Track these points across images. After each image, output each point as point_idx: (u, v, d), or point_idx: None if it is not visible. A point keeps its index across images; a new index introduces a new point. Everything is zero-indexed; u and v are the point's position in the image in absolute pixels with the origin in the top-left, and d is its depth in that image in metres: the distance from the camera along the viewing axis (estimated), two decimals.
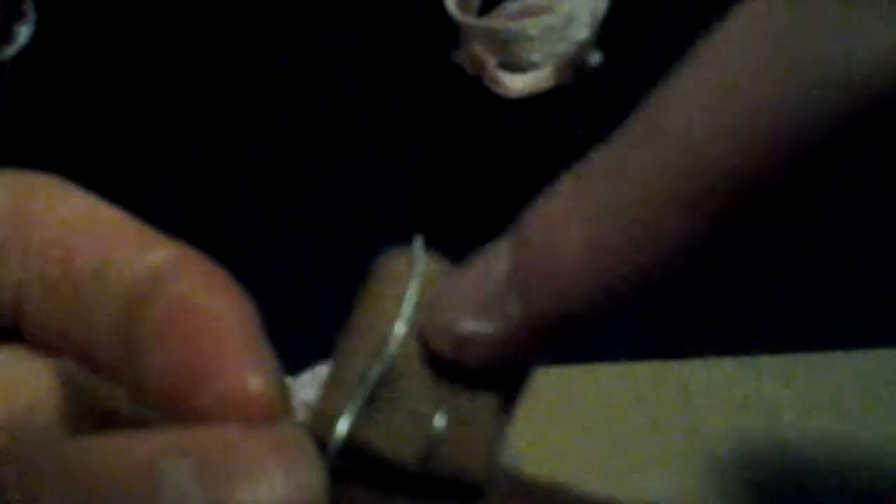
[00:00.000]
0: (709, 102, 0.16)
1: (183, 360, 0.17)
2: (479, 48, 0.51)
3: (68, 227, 0.19)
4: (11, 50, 0.55)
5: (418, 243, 0.19)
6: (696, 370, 0.43)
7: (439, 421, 0.18)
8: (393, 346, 0.18)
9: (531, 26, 0.49)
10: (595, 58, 0.51)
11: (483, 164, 0.51)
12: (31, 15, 0.56)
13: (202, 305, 0.18)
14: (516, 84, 0.51)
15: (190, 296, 0.18)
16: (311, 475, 0.16)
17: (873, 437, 0.40)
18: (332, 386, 0.18)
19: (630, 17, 0.52)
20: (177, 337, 0.17)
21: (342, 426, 0.17)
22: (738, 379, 0.42)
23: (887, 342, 0.43)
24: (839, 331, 0.43)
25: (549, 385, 0.42)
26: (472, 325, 0.18)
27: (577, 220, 0.17)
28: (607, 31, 0.51)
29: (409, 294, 0.18)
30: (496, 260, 0.18)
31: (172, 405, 0.17)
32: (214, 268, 0.19)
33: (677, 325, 0.44)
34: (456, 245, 0.20)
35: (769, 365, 0.43)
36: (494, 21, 0.52)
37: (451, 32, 0.52)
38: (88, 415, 0.18)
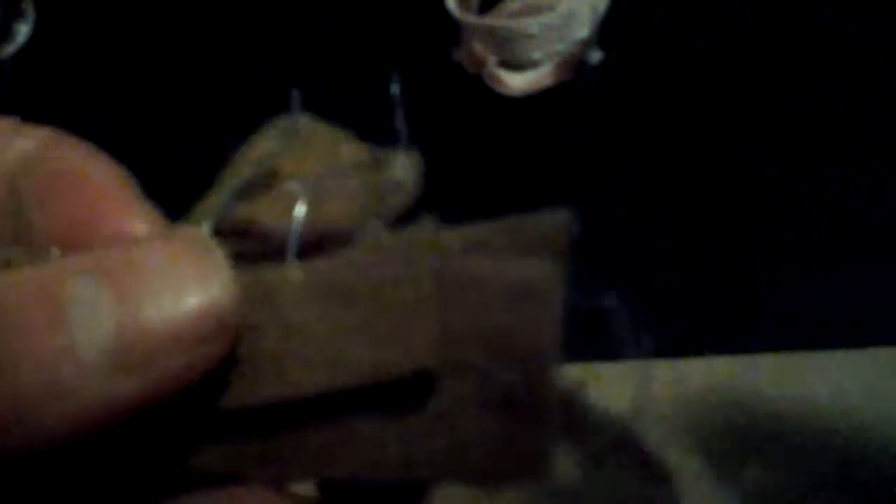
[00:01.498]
0: None
1: (69, 216, 0.18)
2: (479, 46, 0.51)
3: None
4: (11, 48, 0.55)
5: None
6: (696, 370, 0.42)
7: (295, 186, 0.19)
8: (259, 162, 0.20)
9: (531, 24, 0.49)
10: (595, 56, 0.51)
11: (483, 162, 0.51)
12: (30, 13, 0.56)
13: (80, 169, 0.19)
14: (516, 82, 0.51)
15: (67, 164, 0.19)
16: (222, 273, 0.16)
17: (873, 436, 0.40)
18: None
19: (630, 15, 0.52)
20: (61, 196, 0.18)
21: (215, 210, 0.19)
22: (738, 379, 0.42)
23: (887, 342, 0.43)
24: (839, 331, 0.43)
25: None
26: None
27: None
28: (607, 30, 0.51)
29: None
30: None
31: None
32: (85, 143, 0.19)
33: (677, 325, 0.44)
34: None
35: (769, 365, 0.43)
36: (495, 19, 0.52)
37: (452, 31, 0.52)
38: None
